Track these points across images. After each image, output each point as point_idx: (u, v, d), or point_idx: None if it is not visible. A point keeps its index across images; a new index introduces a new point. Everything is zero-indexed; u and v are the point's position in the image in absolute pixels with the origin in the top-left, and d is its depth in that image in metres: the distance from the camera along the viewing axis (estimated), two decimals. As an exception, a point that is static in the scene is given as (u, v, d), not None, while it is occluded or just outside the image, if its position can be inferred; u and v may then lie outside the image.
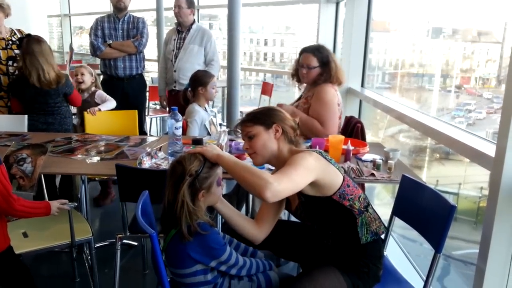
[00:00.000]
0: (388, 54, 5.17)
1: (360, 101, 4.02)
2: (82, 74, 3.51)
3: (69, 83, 3.13)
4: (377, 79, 4.45)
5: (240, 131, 1.78)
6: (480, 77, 4.23)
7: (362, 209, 1.67)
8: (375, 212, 1.74)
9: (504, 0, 3.42)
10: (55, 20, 10.51)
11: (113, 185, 3.76)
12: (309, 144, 2.46)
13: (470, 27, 4.13)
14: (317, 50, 2.78)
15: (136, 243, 3.00)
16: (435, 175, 4.69)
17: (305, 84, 2.96)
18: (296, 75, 2.92)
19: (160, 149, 2.50)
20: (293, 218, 2.72)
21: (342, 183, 1.64)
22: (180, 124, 2.42)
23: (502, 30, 3.71)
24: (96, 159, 2.45)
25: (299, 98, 2.97)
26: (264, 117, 1.73)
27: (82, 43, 10.79)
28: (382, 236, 1.78)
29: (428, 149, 4.69)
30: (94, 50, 4.02)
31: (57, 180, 3.15)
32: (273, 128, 1.71)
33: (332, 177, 1.63)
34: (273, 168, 1.84)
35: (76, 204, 2.15)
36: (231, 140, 2.63)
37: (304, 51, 2.81)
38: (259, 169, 1.53)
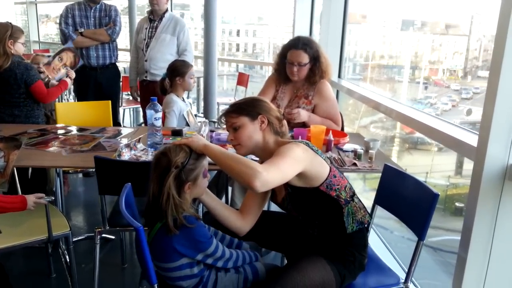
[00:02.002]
0: (359, 45, 5.23)
1: (337, 92, 4.04)
2: (43, 65, 3.38)
3: (31, 73, 2.94)
4: (348, 70, 4.49)
5: (224, 122, 1.75)
6: (448, 69, 4.33)
7: (348, 199, 1.68)
8: (360, 201, 1.76)
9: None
10: (19, 8, 10.11)
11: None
12: (290, 134, 2.46)
13: (439, 20, 4.21)
14: (307, 46, 2.69)
15: (113, 237, 2.94)
16: (404, 164, 4.81)
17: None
18: (279, 69, 2.84)
19: (139, 141, 2.44)
20: (273, 208, 2.72)
21: (329, 174, 1.64)
22: (159, 114, 2.37)
23: (469, 23, 3.80)
24: (71, 151, 2.36)
25: (291, 98, 2.85)
26: (249, 108, 1.70)
27: (48, 31, 10.43)
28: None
29: (397, 139, 4.80)
30: (65, 38, 3.87)
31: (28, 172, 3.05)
32: (258, 119, 1.69)
33: (319, 168, 1.62)
34: (257, 158, 1.83)
35: (53, 198, 2.07)
36: (212, 131, 2.61)
37: (293, 47, 2.71)
38: (247, 159, 1.51)
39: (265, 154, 1.69)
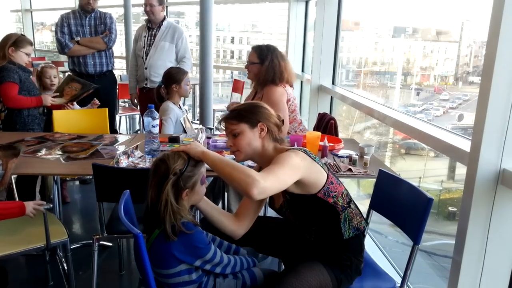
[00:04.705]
0: (352, 52, 5.28)
1: (331, 98, 4.08)
2: (55, 77, 3.43)
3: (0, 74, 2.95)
4: (341, 77, 4.55)
5: (223, 127, 1.76)
6: (439, 75, 4.38)
7: (345, 205, 1.70)
8: (357, 207, 1.78)
9: (461, 0, 3.56)
10: (14, 16, 10.10)
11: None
12: (286, 140, 2.48)
13: (430, 26, 4.26)
14: (258, 47, 2.88)
15: (111, 244, 2.95)
16: (397, 169, 4.85)
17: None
18: None
19: (136, 148, 2.45)
20: (269, 213, 2.72)
21: (326, 181, 1.66)
22: (157, 122, 2.39)
23: (459, 30, 3.86)
24: (68, 158, 2.38)
25: (254, 96, 3.01)
26: (249, 115, 1.71)
27: (44, 39, 10.44)
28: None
29: (389, 144, 4.84)
30: (62, 47, 3.90)
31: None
32: (258, 126, 1.70)
33: (317, 175, 1.64)
34: (255, 164, 1.85)
35: (51, 205, 2.08)
36: (208, 137, 2.63)
37: (251, 48, 2.93)
38: (245, 166, 1.53)
39: (264, 160, 1.72)
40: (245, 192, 1.46)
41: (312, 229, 1.75)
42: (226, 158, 1.59)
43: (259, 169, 1.86)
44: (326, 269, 1.66)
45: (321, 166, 1.67)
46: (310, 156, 1.65)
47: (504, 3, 1.53)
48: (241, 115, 1.71)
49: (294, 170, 1.56)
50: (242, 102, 2.97)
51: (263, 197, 1.50)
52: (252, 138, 1.70)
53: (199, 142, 2.37)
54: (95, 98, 3.48)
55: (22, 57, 3.06)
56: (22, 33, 5.05)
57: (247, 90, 5.88)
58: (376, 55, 5.35)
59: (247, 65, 2.92)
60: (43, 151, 2.48)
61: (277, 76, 2.82)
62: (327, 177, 1.67)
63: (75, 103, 3.44)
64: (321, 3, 3.91)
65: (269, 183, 1.47)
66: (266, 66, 2.81)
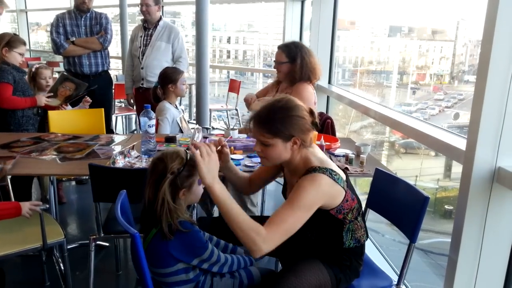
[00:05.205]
0: (348, 51, 5.30)
1: (328, 98, 4.09)
2: (50, 78, 3.41)
3: None
4: (337, 76, 4.56)
5: (250, 128, 1.67)
6: (435, 74, 4.40)
7: (352, 219, 1.68)
8: (363, 221, 1.76)
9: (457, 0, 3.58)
10: (9, 16, 10.07)
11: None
12: None
13: (425, 25, 4.29)
14: (285, 46, 2.84)
15: (107, 244, 2.94)
16: (393, 168, 4.87)
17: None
18: None
19: (133, 148, 2.45)
20: (267, 212, 2.73)
21: (342, 200, 1.63)
22: (153, 122, 2.39)
23: (455, 29, 3.88)
24: (64, 158, 2.37)
25: (276, 92, 2.98)
26: (284, 129, 1.59)
27: (39, 39, 10.41)
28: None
29: (386, 143, 4.86)
30: (57, 48, 3.89)
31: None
32: (291, 141, 1.62)
33: (335, 199, 1.61)
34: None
35: (48, 205, 2.08)
36: (205, 137, 2.62)
37: (278, 47, 2.88)
38: (252, 225, 1.44)
39: (290, 166, 1.71)
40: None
41: (314, 228, 1.75)
42: (233, 205, 1.47)
43: (280, 167, 1.87)
44: (326, 267, 1.66)
45: (342, 186, 1.61)
46: (333, 178, 1.58)
47: (499, 2, 1.54)
48: (275, 129, 1.59)
49: (310, 210, 1.53)
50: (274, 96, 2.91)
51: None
52: (283, 150, 1.63)
53: (196, 141, 2.37)
54: (86, 96, 3.45)
55: (15, 57, 3.06)
56: (17, 33, 5.07)
57: (244, 90, 5.89)
58: (372, 54, 5.37)
59: (275, 65, 2.87)
60: (39, 152, 2.47)
61: (312, 73, 2.80)
62: (344, 196, 1.63)
63: (68, 103, 3.43)
64: (317, 3, 3.92)
65: (274, 243, 1.44)
66: (299, 64, 2.76)
